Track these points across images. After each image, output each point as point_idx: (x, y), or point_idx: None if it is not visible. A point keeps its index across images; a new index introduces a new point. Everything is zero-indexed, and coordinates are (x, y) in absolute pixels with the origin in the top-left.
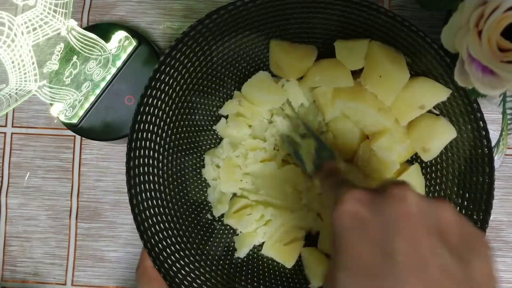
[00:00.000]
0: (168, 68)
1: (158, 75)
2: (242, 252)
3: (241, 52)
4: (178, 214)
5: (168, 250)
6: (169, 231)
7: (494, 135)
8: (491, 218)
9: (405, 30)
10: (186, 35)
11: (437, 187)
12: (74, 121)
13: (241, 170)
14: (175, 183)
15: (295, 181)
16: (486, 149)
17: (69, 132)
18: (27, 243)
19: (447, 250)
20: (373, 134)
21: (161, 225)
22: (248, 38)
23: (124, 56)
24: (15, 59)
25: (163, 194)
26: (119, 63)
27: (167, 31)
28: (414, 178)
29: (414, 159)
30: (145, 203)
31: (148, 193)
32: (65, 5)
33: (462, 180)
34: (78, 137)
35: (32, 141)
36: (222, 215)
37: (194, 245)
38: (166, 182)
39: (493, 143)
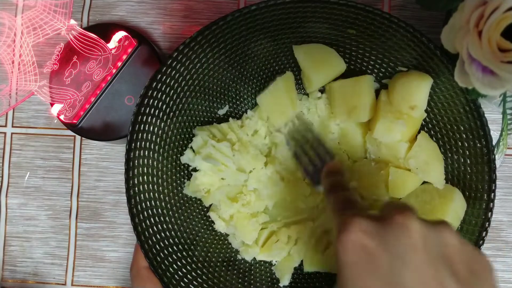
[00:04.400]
0: (170, 70)
1: (159, 76)
2: (285, 279)
3: (240, 60)
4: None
5: (165, 251)
6: (168, 235)
7: (494, 135)
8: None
9: (345, 9)
10: (192, 40)
11: (453, 142)
12: (74, 121)
13: (255, 217)
14: (180, 210)
15: (303, 195)
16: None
17: (69, 132)
18: (27, 243)
19: (454, 280)
20: (370, 124)
21: (160, 229)
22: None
23: (124, 56)
24: (15, 59)
25: (163, 197)
26: (119, 63)
27: (167, 31)
28: (425, 145)
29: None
30: (145, 211)
31: (147, 194)
32: (65, 5)
33: (465, 125)
34: (78, 137)
35: (32, 141)
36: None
37: (197, 253)
38: (166, 184)
39: (493, 143)
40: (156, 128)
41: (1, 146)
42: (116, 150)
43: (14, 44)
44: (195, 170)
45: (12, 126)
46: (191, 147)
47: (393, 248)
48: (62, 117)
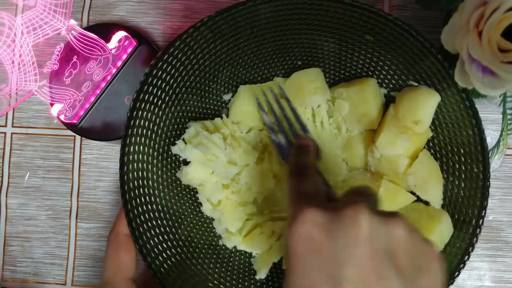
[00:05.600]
0: (164, 65)
1: (155, 71)
2: (262, 273)
3: (235, 55)
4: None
5: (149, 223)
6: (155, 209)
7: (494, 135)
8: (490, 218)
9: (366, 14)
10: (180, 40)
11: (451, 163)
12: (74, 121)
13: (242, 206)
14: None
15: None
16: (467, 102)
17: (69, 132)
18: (27, 243)
19: (395, 272)
20: (375, 135)
21: (148, 201)
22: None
23: (124, 56)
24: (15, 59)
25: (161, 201)
26: (119, 63)
27: (167, 31)
28: (427, 163)
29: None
30: (139, 207)
31: (140, 165)
32: (65, 5)
33: (465, 140)
34: (78, 137)
35: (32, 141)
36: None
37: (183, 237)
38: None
39: (493, 143)
40: (157, 109)
41: (1, 146)
42: (116, 150)
43: (14, 44)
44: (187, 162)
45: (12, 126)
46: (183, 139)
47: (340, 241)
48: (62, 117)
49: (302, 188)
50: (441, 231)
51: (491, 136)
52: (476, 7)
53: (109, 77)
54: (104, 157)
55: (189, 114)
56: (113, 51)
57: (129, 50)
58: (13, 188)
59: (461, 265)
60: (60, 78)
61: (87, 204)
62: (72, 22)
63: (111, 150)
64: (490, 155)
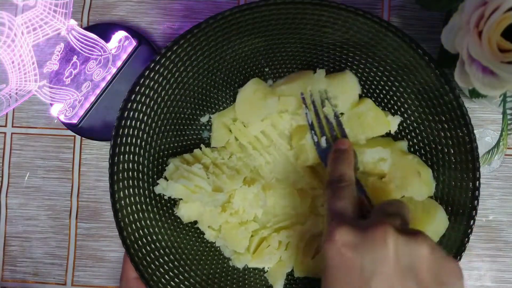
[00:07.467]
0: (134, 104)
1: (142, 80)
2: (278, 285)
3: (230, 62)
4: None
5: (156, 262)
6: (158, 246)
7: (494, 135)
8: (491, 218)
9: (318, 8)
10: (175, 43)
11: (436, 133)
12: (74, 121)
13: (244, 225)
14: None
15: (293, 203)
16: (437, 71)
17: (69, 132)
18: (27, 243)
19: (418, 287)
20: None
21: (150, 240)
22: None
23: (124, 56)
24: (15, 59)
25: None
26: (119, 63)
27: (167, 31)
28: (399, 161)
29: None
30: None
31: (134, 207)
32: (65, 5)
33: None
34: (78, 137)
35: (32, 141)
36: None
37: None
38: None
39: (493, 143)
40: (141, 132)
41: (1, 146)
42: None
43: (14, 44)
44: (175, 201)
45: (12, 126)
46: (165, 177)
47: (368, 259)
48: (62, 117)
49: (337, 204)
50: (436, 225)
51: (491, 136)
52: (476, 7)
53: (109, 77)
54: (104, 157)
55: (169, 151)
56: (113, 51)
57: (129, 50)
58: (13, 188)
59: (458, 257)
60: (60, 78)
61: (87, 204)
62: (72, 22)
63: None
64: (490, 155)
